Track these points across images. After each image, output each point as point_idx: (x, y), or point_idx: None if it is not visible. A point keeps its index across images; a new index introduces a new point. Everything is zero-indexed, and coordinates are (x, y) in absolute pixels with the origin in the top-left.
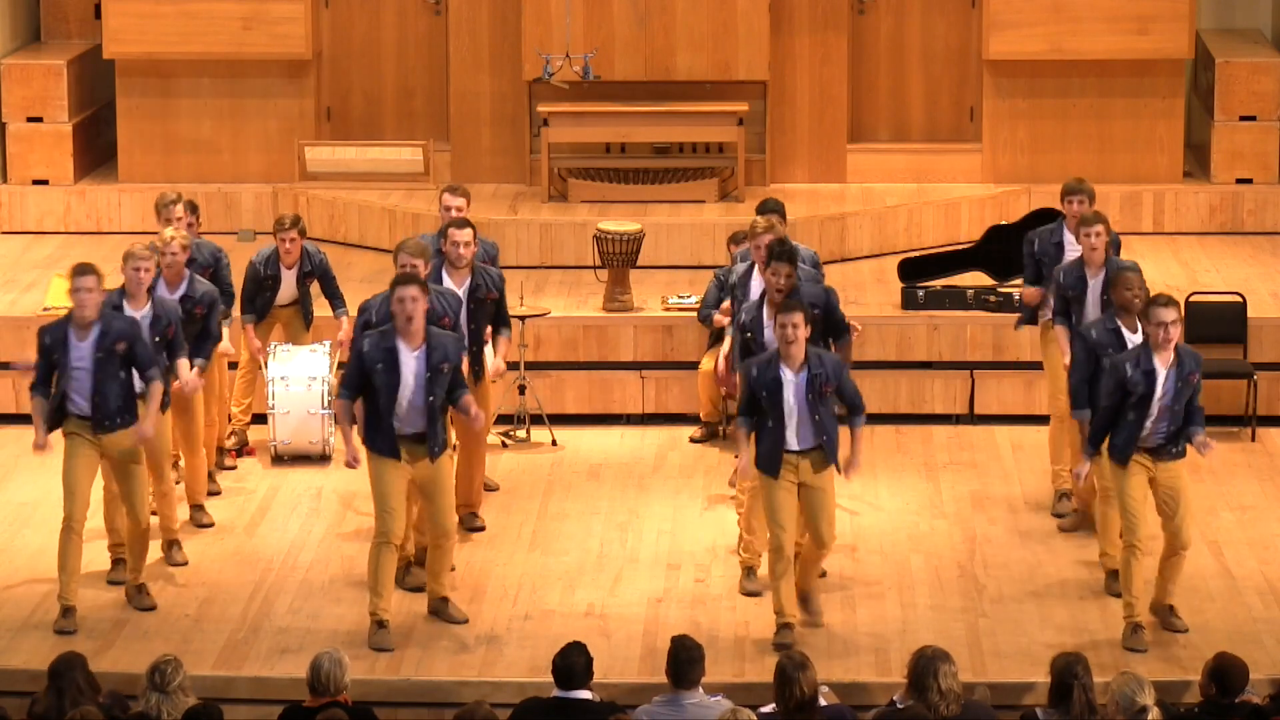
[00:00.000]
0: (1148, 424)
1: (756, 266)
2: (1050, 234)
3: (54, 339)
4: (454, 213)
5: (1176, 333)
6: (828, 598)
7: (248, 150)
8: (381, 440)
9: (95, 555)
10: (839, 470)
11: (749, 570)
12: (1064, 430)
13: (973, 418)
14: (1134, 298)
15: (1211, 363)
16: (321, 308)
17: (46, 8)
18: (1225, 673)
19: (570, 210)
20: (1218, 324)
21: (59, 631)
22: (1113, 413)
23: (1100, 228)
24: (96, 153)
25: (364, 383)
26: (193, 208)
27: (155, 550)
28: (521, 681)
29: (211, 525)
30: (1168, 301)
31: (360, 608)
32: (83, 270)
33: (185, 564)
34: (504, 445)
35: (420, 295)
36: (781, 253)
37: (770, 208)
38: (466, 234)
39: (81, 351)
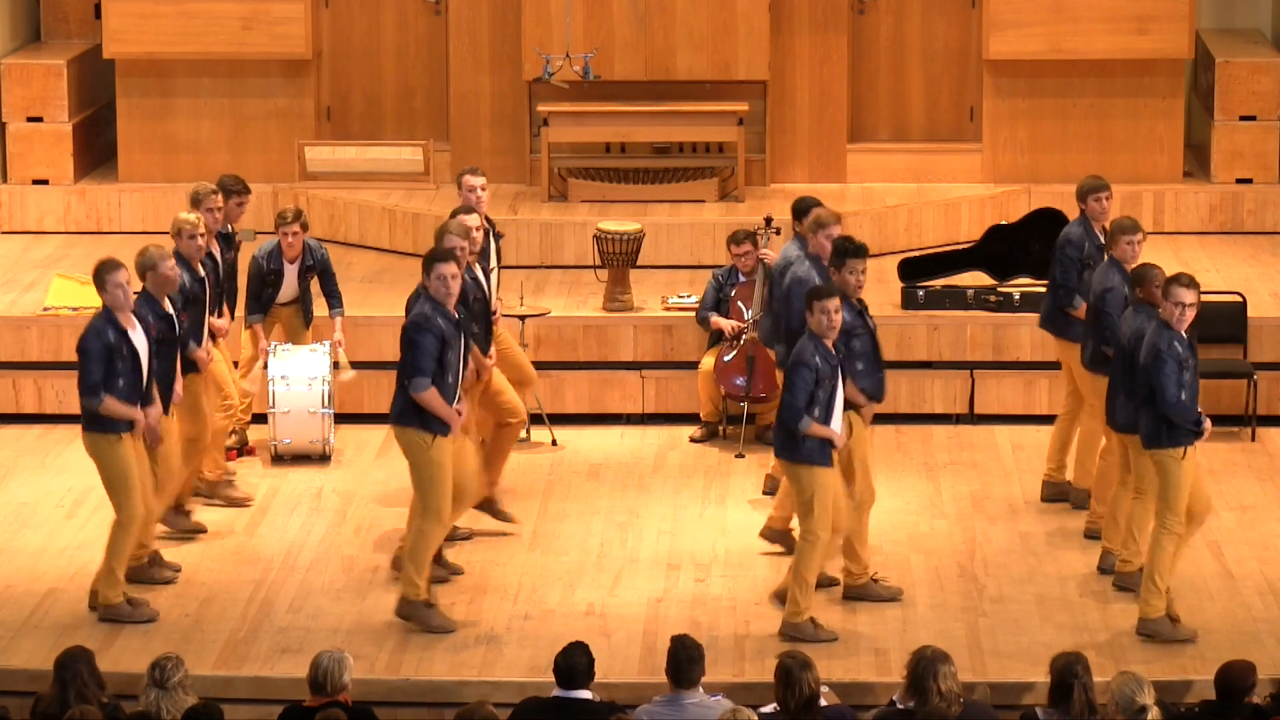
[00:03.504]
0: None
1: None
2: (1086, 235)
3: (116, 337)
4: (478, 192)
5: (1192, 315)
6: (829, 597)
7: (248, 150)
8: (440, 421)
9: (95, 554)
10: None
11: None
12: (1073, 429)
13: (973, 418)
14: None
15: (1211, 363)
16: (320, 308)
17: (46, 8)
18: (1227, 679)
19: (570, 210)
20: (1218, 324)
21: (145, 620)
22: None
23: (1142, 234)
24: (96, 152)
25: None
26: (241, 185)
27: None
28: (521, 681)
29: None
30: (1190, 282)
31: (359, 606)
32: (115, 265)
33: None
34: None
35: (459, 272)
36: (858, 249)
37: (809, 204)
38: (474, 219)
39: (143, 341)
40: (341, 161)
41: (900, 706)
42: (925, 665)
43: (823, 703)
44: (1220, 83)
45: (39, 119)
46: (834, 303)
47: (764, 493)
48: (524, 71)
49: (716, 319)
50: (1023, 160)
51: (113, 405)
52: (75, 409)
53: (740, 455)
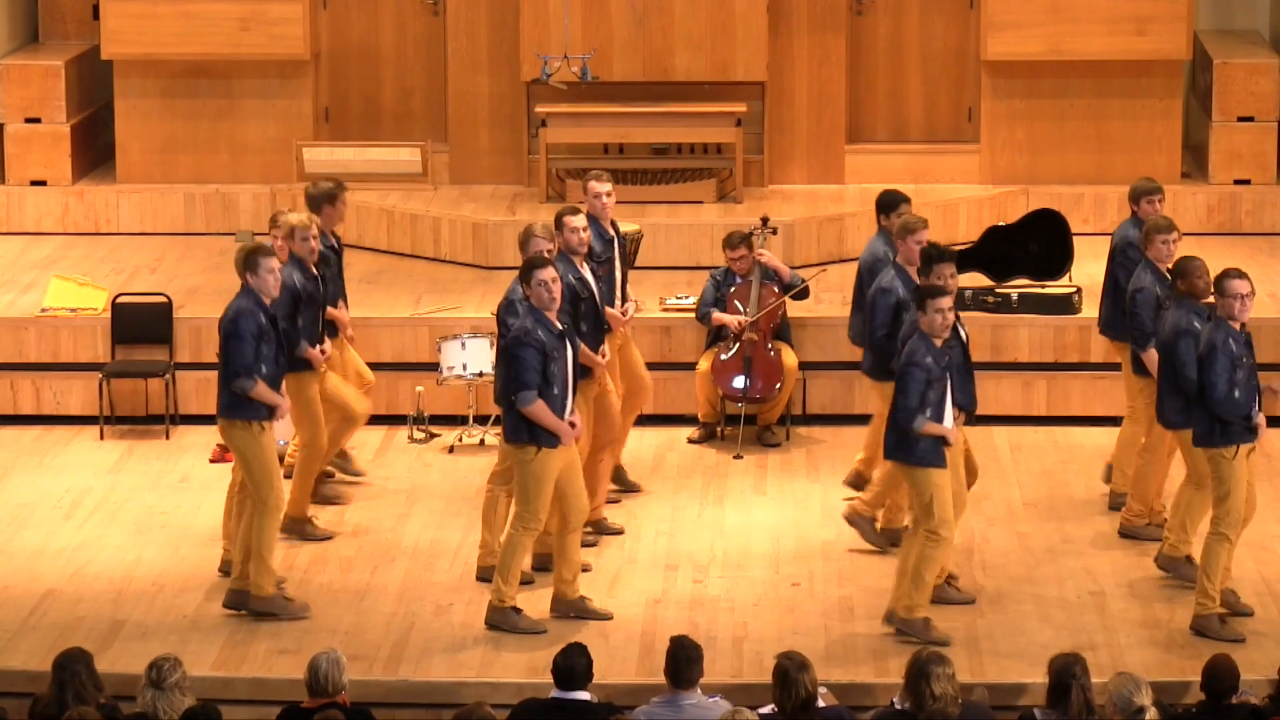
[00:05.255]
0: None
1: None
2: (1142, 248)
3: (267, 320)
4: (603, 199)
5: (1251, 304)
6: (826, 598)
7: (246, 151)
8: (548, 434)
9: (93, 555)
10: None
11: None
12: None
13: (971, 418)
14: (1207, 286)
15: None
16: None
17: (44, 8)
18: (1212, 675)
19: None
20: None
21: (298, 617)
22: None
23: (1177, 233)
24: (95, 153)
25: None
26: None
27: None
28: (520, 682)
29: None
30: (1240, 273)
31: (357, 607)
32: (268, 251)
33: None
34: None
35: (559, 276)
36: (944, 254)
37: (896, 199)
38: (581, 219)
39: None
40: (339, 162)
41: (899, 708)
42: (919, 666)
43: (821, 704)
44: (1218, 83)
45: (37, 120)
46: (947, 301)
47: (845, 483)
48: (522, 72)
49: (719, 314)
50: (1021, 161)
51: (263, 390)
52: (72, 410)
53: (738, 456)
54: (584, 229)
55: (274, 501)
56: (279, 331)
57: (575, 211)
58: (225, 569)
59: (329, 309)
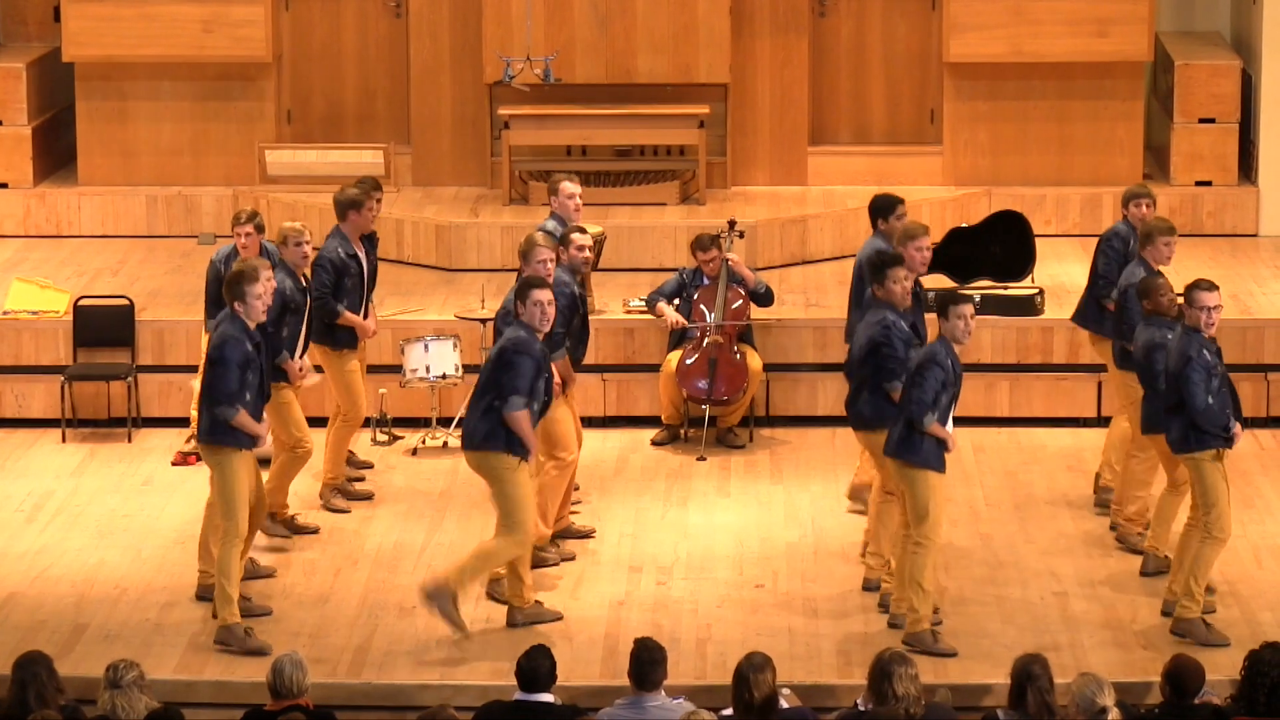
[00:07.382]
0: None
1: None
2: (1131, 233)
3: (253, 347)
4: (577, 199)
5: (1219, 316)
6: (789, 600)
7: (208, 153)
8: (521, 444)
9: (55, 559)
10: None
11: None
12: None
13: None
14: (1172, 302)
15: None
16: None
17: (5, 10)
18: (1180, 675)
19: (531, 213)
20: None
21: (258, 652)
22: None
23: (1176, 236)
24: (56, 156)
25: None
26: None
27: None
28: (483, 685)
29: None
30: (1210, 285)
31: (320, 610)
32: (253, 276)
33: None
34: None
35: (555, 299)
36: (897, 258)
37: (890, 202)
38: (587, 238)
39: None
40: (302, 165)
41: (863, 709)
42: (882, 667)
43: (784, 704)
44: (1180, 85)
45: None
46: (969, 309)
47: (848, 497)
48: (485, 74)
49: (662, 306)
50: (983, 163)
51: (245, 419)
52: (34, 413)
53: (702, 458)
54: (590, 247)
55: (235, 528)
56: (265, 360)
57: (582, 230)
58: (204, 594)
59: (349, 314)
